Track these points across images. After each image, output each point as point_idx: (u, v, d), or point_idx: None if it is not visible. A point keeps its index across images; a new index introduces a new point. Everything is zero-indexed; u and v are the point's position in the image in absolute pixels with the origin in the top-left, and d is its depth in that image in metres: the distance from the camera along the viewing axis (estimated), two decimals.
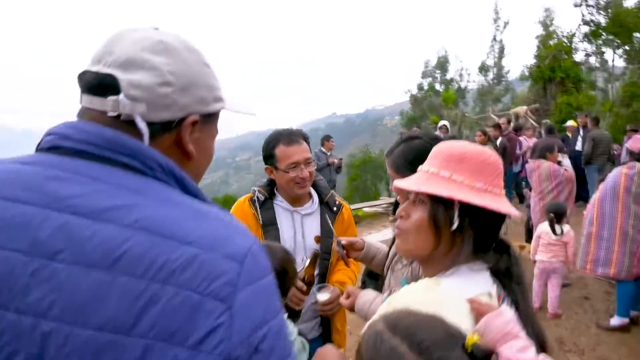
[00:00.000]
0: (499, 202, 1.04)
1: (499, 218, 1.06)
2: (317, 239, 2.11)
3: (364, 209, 11.06)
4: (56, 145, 0.71)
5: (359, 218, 10.28)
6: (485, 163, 1.06)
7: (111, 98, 0.71)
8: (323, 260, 2.11)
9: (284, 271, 1.38)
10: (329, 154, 8.74)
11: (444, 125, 9.95)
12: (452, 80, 29.78)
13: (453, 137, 7.60)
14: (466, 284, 1.01)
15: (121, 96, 0.71)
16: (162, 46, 0.75)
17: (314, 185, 2.19)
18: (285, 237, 2.07)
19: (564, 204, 4.87)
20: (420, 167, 1.14)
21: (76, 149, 0.70)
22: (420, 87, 29.30)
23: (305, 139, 2.06)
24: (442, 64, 30.15)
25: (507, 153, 8.55)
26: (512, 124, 10.11)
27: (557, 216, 4.56)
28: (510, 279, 1.07)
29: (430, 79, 30.17)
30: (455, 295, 0.97)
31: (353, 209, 10.37)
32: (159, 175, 0.73)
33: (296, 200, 2.11)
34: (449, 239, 1.05)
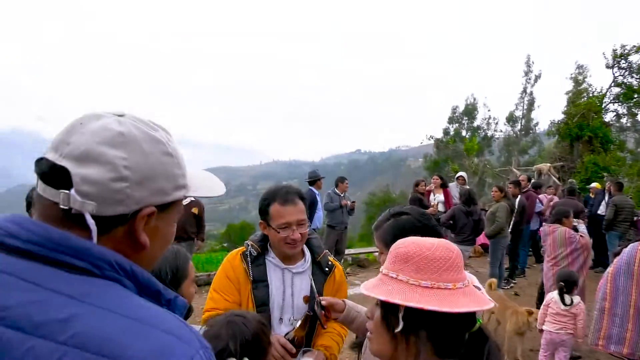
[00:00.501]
0: (447, 300, 1.00)
1: (459, 315, 1.01)
2: (306, 299, 2.08)
3: (375, 253, 10.91)
4: (2, 242, 0.71)
5: (369, 262, 10.14)
6: (429, 259, 1.04)
7: (63, 192, 0.71)
8: (310, 323, 2.08)
9: (256, 340, 1.37)
10: (342, 195, 8.73)
11: (462, 176, 9.85)
12: (478, 127, 29.76)
13: (469, 193, 7.54)
14: None
15: (72, 191, 0.70)
16: (121, 139, 0.74)
17: (308, 244, 2.19)
18: (275, 294, 2.05)
19: (575, 273, 4.71)
20: (381, 268, 1.16)
21: (22, 248, 0.70)
22: (446, 132, 29.34)
23: (302, 198, 2.05)
24: (470, 111, 30.22)
25: (525, 211, 8.40)
26: (532, 181, 9.94)
27: (567, 285, 4.41)
28: None
29: (456, 124, 30.23)
30: None
31: (364, 253, 10.31)
32: (108, 273, 0.72)
33: (288, 258, 2.10)
34: (403, 340, 1.05)
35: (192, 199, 7.03)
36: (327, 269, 2.15)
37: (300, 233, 1.99)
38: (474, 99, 30.42)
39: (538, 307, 6.08)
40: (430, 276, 1.02)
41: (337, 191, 8.76)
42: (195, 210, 6.92)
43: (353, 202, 8.87)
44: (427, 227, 1.63)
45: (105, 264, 0.72)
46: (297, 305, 2.06)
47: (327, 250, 2.24)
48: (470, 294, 1.05)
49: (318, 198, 8.30)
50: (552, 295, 4.50)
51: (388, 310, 1.07)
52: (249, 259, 2.08)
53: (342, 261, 9.49)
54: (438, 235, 1.64)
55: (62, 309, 0.65)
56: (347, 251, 10.17)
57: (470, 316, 1.05)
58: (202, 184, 0.92)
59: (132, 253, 0.77)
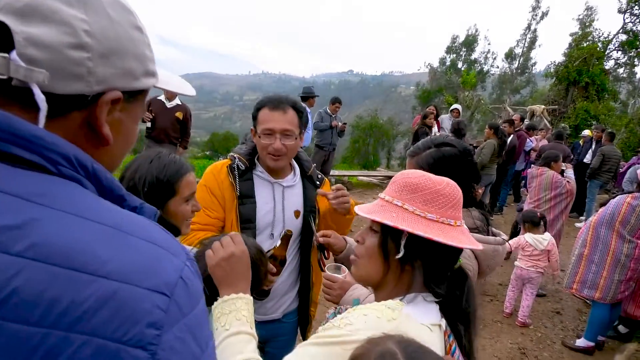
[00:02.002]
0: (450, 234, 1.03)
1: (452, 250, 1.06)
2: (297, 214, 1.99)
3: (359, 177, 10.95)
4: None
5: (352, 185, 10.19)
6: (438, 194, 1.06)
7: (0, 55, 0.52)
8: (304, 239, 2.02)
9: (254, 267, 1.26)
10: (333, 116, 8.50)
11: (456, 108, 9.64)
12: (475, 61, 29.05)
13: (459, 124, 7.43)
14: (422, 314, 1.03)
15: (13, 54, 0.52)
16: None
17: (297, 158, 2.07)
18: (264, 210, 1.94)
19: (536, 213, 4.83)
20: (380, 194, 1.15)
21: None
22: (442, 62, 28.57)
23: (298, 110, 1.88)
24: (470, 43, 29.28)
25: (514, 151, 8.37)
26: (525, 122, 9.83)
27: (532, 224, 4.63)
28: (457, 317, 1.08)
29: (454, 55, 29.44)
30: (414, 322, 1.00)
31: (348, 175, 10.34)
32: (65, 171, 0.56)
33: (276, 172, 1.98)
34: (396, 267, 1.08)
35: (179, 103, 6.72)
36: (318, 182, 2.07)
37: (284, 144, 1.84)
38: (476, 30, 29.31)
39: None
40: (437, 210, 1.04)
41: (328, 111, 8.52)
42: (179, 114, 6.65)
43: (344, 124, 8.67)
44: (469, 163, 1.58)
45: (62, 159, 0.56)
46: (288, 219, 1.97)
47: (314, 165, 2.14)
48: (465, 232, 1.10)
49: (309, 116, 8.04)
50: (528, 238, 4.62)
51: (389, 236, 1.07)
52: (236, 172, 1.93)
53: None
54: (476, 174, 1.60)
55: (15, 213, 0.50)
56: (332, 172, 10.15)
57: (458, 253, 1.10)
58: (171, 79, 0.79)
59: (89, 148, 0.61)
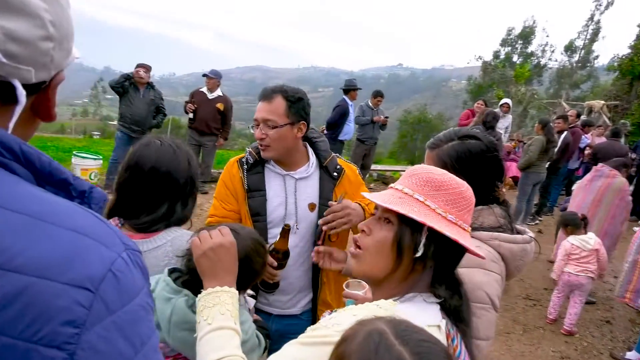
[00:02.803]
0: (468, 240, 1.01)
1: (460, 254, 1.04)
2: (312, 207, 1.91)
3: (402, 172, 10.72)
4: None
5: (393, 180, 9.98)
6: (460, 196, 1.02)
7: None
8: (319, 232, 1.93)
9: (246, 260, 1.22)
10: (375, 109, 8.34)
11: (506, 103, 9.18)
12: (532, 54, 27.83)
13: (487, 115, 7.03)
14: (418, 314, 0.95)
15: None
16: None
17: (314, 147, 1.99)
18: (275, 204, 1.90)
19: (577, 214, 4.57)
20: (392, 184, 1.08)
21: None
22: (496, 55, 27.61)
23: (288, 98, 1.80)
24: (527, 35, 28.11)
25: (568, 149, 7.88)
26: (581, 118, 9.22)
27: (575, 226, 4.37)
28: (458, 319, 1.04)
29: (509, 48, 28.34)
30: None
31: (390, 171, 10.15)
32: None
33: (287, 164, 1.92)
34: (408, 265, 1.00)
35: (220, 94, 6.82)
36: (335, 173, 1.95)
37: (265, 133, 1.79)
38: (534, 22, 28.07)
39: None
40: (457, 212, 1.01)
41: (370, 104, 8.38)
42: (220, 105, 6.74)
43: (386, 117, 8.50)
44: (495, 158, 1.46)
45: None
46: (302, 213, 1.91)
47: (335, 154, 2.03)
48: (471, 239, 1.07)
49: (351, 109, 7.93)
50: (572, 242, 4.34)
51: (408, 231, 0.99)
52: (245, 166, 1.92)
53: (367, 176, 9.39)
54: (501, 171, 1.48)
55: None
56: (373, 167, 10.02)
57: (460, 258, 1.06)
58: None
59: (19, 129, 0.60)
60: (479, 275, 1.35)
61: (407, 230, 0.99)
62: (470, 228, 1.05)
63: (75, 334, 0.47)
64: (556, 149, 7.52)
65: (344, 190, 1.94)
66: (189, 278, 1.22)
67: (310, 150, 1.99)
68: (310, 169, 1.94)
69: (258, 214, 1.88)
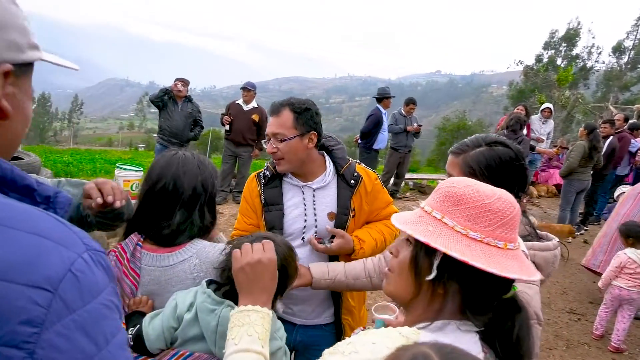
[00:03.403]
0: (495, 259, 0.87)
1: (498, 278, 0.87)
2: (332, 216, 1.90)
3: (440, 181, 10.54)
4: None
5: (430, 189, 9.83)
6: (485, 209, 0.90)
7: None
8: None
9: (284, 265, 1.24)
10: (408, 117, 8.25)
11: (548, 108, 8.85)
12: (577, 56, 26.80)
13: (512, 119, 6.77)
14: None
15: None
16: None
17: (331, 155, 1.98)
18: (295, 216, 1.90)
19: (632, 225, 4.29)
20: (421, 203, 1.02)
21: None
22: (538, 59, 26.81)
23: (294, 110, 1.80)
24: (571, 37, 27.14)
25: (614, 154, 7.50)
26: (629, 122, 8.75)
27: (636, 239, 4.09)
28: (508, 353, 0.92)
29: (552, 51, 27.43)
30: None
31: (427, 179, 9.99)
32: None
33: (304, 175, 1.92)
34: (429, 289, 0.93)
35: (255, 106, 6.94)
36: (352, 181, 1.93)
37: (277, 147, 1.80)
38: (578, 23, 27.03)
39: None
40: (482, 228, 0.89)
41: (403, 112, 8.29)
42: (255, 117, 6.87)
43: (419, 125, 8.38)
44: (521, 167, 1.42)
45: None
46: (321, 222, 1.90)
47: (353, 161, 2.01)
48: (518, 257, 0.91)
49: (384, 118, 7.87)
50: (628, 254, 4.08)
51: (422, 252, 0.93)
52: (262, 180, 1.95)
53: (402, 185, 9.28)
54: (525, 182, 1.45)
55: None
56: (409, 175, 9.90)
57: (509, 280, 0.91)
58: (49, 56, 0.78)
59: None
60: (525, 290, 1.30)
61: (421, 251, 0.94)
62: (509, 244, 0.90)
63: (34, 333, 0.49)
64: (601, 155, 7.20)
65: (361, 199, 1.94)
66: (230, 288, 1.22)
67: (328, 159, 1.98)
68: (327, 177, 1.93)
69: (273, 228, 1.89)
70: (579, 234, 7.52)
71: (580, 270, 5.98)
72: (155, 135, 7.12)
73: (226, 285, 1.24)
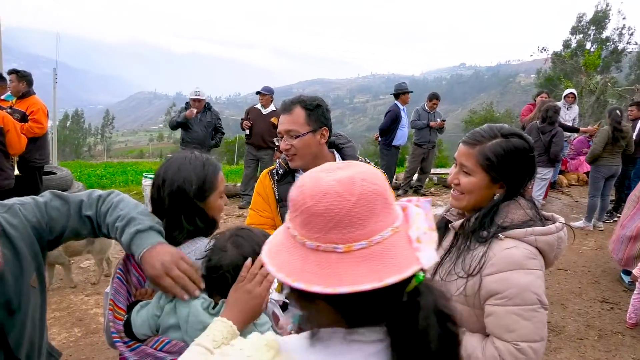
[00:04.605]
0: (332, 270, 0.71)
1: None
2: None
3: None
4: None
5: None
6: (311, 213, 0.74)
7: None
8: None
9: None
10: (431, 112, 8.19)
11: (571, 93, 8.61)
12: (607, 39, 25.85)
13: (548, 110, 6.56)
14: (327, 358, 0.78)
15: None
16: None
17: (341, 153, 2.03)
18: None
19: None
20: None
21: None
22: (567, 45, 25.99)
23: (306, 107, 1.85)
24: (600, 20, 26.21)
25: None
26: None
27: None
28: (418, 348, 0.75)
29: (581, 35, 26.56)
30: None
31: (447, 174, 9.84)
32: None
33: None
34: (310, 307, 0.83)
35: (274, 109, 7.04)
36: None
37: (290, 144, 1.85)
38: (607, 5, 26.03)
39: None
40: (315, 235, 0.74)
41: (426, 108, 8.24)
42: (275, 120, 6.95)
43: (443, 120, 8.31)
44: (533, 157, 1.47)
45: None
46: None
47: (362, 159, 2.06)
48: (374, 257, 0.72)
49: (403, 113, 7.83)
50: None
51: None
52: (275, 177, 2.02)
53: (426, 180, 9.20)
54: (534, 169, 1.49)
55: None
56: (433, 170, 9.79)
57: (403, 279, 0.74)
58: None
59: None
60: (522, 277, 1.34)
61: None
62: (356, 243, 0.72)
63: None
64: (631, 138, 6.96)
65: None
66: (208, 281, 1.29)
67: (338, 156, 2.03)
68: None
69: None
70: (611, 221, 7.28)
71: (613, 259, 5.79)
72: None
73: (205, 278, 1.30)
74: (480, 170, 1.43)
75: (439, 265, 1.53)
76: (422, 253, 0.73)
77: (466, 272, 1.41)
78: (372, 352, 0.76)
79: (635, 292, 4.19)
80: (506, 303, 1.33)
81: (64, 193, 1.41)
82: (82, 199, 1.41)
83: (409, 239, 0.75)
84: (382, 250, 0.72)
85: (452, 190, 1.55)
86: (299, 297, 0.78)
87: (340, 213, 0.72)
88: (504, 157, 1.41)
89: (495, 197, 1.47)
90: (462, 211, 1.55)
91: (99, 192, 1.47)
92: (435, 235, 0.78)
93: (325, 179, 0.75)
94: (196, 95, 6.58)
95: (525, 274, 1.34)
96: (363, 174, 0.75)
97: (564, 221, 1.48)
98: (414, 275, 0.74)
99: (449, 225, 1.57)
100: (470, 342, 1.40)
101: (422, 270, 0.73)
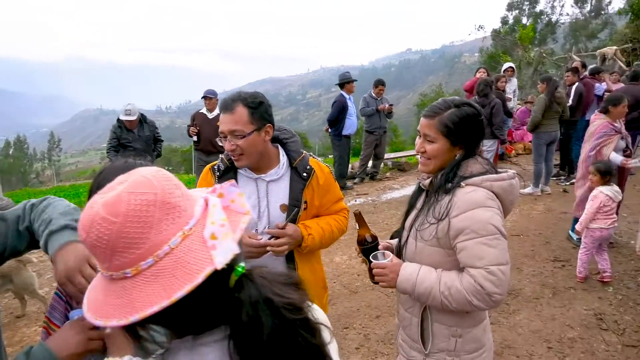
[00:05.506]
0: (126, 297, 0.67)
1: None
2: (284, 208, 1.95)
3: (418, 156, 10.59)
4: None
5: (410, 166, 9.90)
6: (91, 245, 0.69)
7: None
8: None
9: None
10: (378, 99, 8.29)
11: (510, 67, 8.96)
12: (541, 13, 27.02)
13: (480, 84, 6.85)
14: None
15: None
16: None
17: (285, 148, 2.01)
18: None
19: (611, 164, 4.43)
20: None
21: None
22: (504, 21, 26.95)
23: (249, 105, 1.79)
24: None
25: (582, 100, 7.61)
26: (589, 67, 8.84)
27: (610, 175, 4.22)
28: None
29: (517, 11, 27.62)
30: None
31: (406, 156, 10.04)
32: None
33: (258, 168, 1.94)
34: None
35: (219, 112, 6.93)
36: (305, 174, 1.97)
37: (236, 144, 1.79)
38: None
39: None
40: (104, 265, 0.70)
41: (373, 94, 8.33)
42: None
43: (391, 105, 8.43)
44: (482, 121, 1.69)
45: None
46: (273, 213, 1.94)
47: (306, 154, 2.04)
48: (164, 271, 0.67)
49: (350, 103, 7.89)
50: (604, 193, 4.17)
51: None
52: (217, 173, 1.98)
53: (381, 166, 9.33)
54: (483, 132, 1.72)
55: None
56: (387, 155, 9.95)
57: (214, 276, 0.68)
58: None
59: None
60: (483, 212, 1.56)
61: None
62: (143, 262, 0.68)
63: None
64: (569, 103, 7.32)
65: (313, 191, 1.99)
66: None
67: (282, 152, 2.01)
68: (280, 170, 1.96)
69: None
70: (568, 183, 7.62)
71: (562, 219, 6.09)
72: None
73: None
74: (441, 137, 1.65)
75: (415, 219, 1.74)
76: (218, 250, 0.68)
77: (436, 217, 1.63)
78: (221, 352, 0.72)
79: (581, 247, 4.42)
80: (473, 236, 1.55)
81: (3, 212, 1.33)
82: (18, 213, 1.34)
83: (203, 239, 0.69)
84: (172, 262, 0.67)
85: (419, 158, 1.76)
86: (130, 334, 0.73)
87: (111, 238, 0.66)
88: (459, 123, 1.63)
89: (456, 158, 1.69)
90: (431, 175, 1.74)
91: (33, 201, 1.38)
92: (240, 221, 0.75)
93: (94, 206, 0.68)
94: (127, 115, 6.17)
95: (485, 210, 1.56)
96: (133, 187, 0.69)
97: (515, 172, 1.70)
98: (232, 270, 0.72)
99: (420, 185, 1.80)
100: (449, 277, 1.60)
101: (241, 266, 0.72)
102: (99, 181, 1.39)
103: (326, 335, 0.83)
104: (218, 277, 0.69)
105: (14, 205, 6.30)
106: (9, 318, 4.23)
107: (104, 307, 0.68)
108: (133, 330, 0.73)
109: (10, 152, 70.05)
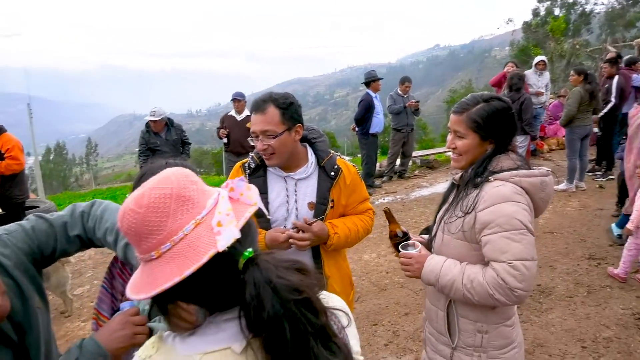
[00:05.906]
0: (153, 275, 0.78)
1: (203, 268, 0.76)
2: (311, 206, 2.00)
3: (447, 153, 10.48)
4: None
5: (438, 163, 9.80)
6: (125, 234, 0.82)
7: None
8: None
9: None
10: (405, 96, 8.25)
11: (542, 60, 8.70)
12: (575, 3, 26.12)
13: (512, 79, 6.66)
14: (205, 341, 0.84)
15: None
16: None
17: (313, 147, 2.06)
18: (277, 205, 2.00)
19: None
20: None
21: None
22: (535, 13, 26.18)
23: (280, 105, 1.84)
24: None
25: (624, 93, 7.32)
26: (624, 58, 8.48)
27: None
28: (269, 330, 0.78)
29: (548, 2, 26.82)
30: (174, 356, 0.84)
31: (435, 154, 9.95)
32: None
33: (288, 166, 2.00)
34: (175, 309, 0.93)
35: (248, 114, 7.05)
36: (332, 173, 2.02)
37: (268, 144, 1.85)
38: None
39: (619, 203, 5.53)
40: (138, 250, 0.83)
41: (399, 92, 8.30)
42: (250, 124, 6.96)
43: (417, 101, 8.38)
44: (513, 115, 1.69)
45: None
46: (301, 211, 2.00)
47: (334, 153, 2.09)
48: (179, 253, 0.78)
49: (375, 101, 7.88)
50: None
51: None
52: (247, 170, 2.04)
53: (409, 164, 9.27)
54: (515, 127, 1.72)
55: None
56: (415, 153, 9.88)
57: (219, 259, 0.77)
58: None
59: None
60: (509, 207, 1.55)
61: None
62: (162, 246, 0.79)
63: None
64: (612, 101, 7.10)
65: (340, 191, 2.04)
66: None
67: (310, 151, 2.06)
68: (309, 169, 2.02)
69: (258, 215, 1.99)
70: (605, 179, 7.40)
71: (597, 216, 5.91)
72: None
73: None
74: (471, 132, 1.66)
75: (445, 212, 1.76)
76: (222, 235, 0.77)
77: (463, 211, 1.64)
78: (237, 328, 0.80)
79: (629, 247, 4.18)
80: (498, 230, 1.54)
81: (47, 215, 1.42)
82: (65, 220, 1.42)
83: (211, 226, 0.79)
84: (185, 245, 0.78)
85: (451, 154, 1.79)
86: (159, 308, 0.86)
87: (137, 226, 0.79)
88: (488, 118, 1.64)
89: (486, 152, 1.70)
90: (463, 170, 1.77)
91: (81, 207, 1.46)
92: (246, 211, 0.85)
93: (126, 201, 0.82)
94: (151, 115, 6.31)
95: (511, 204, 1.56)
96: (154, 183, 0.82)
97: (549, 170, 1.68)
98: (241, 255, 0.81)
99: (452, 179, 1.82)
100: (472, 270, 1.61)
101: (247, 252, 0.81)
102: (142, 181, 1.48)
103: (343, 319, 0.92)
104: (228, 260, 0.79)
105: (55, 208, 6.61)
106: (54, 313, 4.46)
107: (138, 285, 0.80)
108: (163, 306, 0.85)
109: (51, 157, 72.96)
